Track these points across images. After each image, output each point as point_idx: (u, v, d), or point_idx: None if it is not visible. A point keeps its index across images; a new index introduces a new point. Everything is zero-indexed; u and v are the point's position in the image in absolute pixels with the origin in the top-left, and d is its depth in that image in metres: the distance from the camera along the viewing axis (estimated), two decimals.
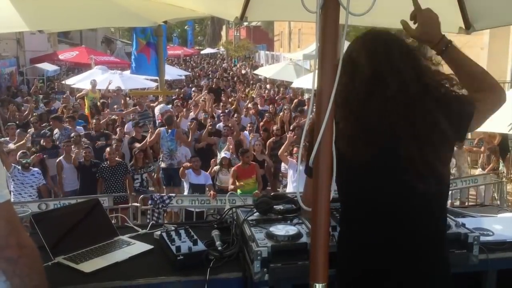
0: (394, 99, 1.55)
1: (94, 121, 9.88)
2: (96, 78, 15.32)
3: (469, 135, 9.12)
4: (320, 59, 1.46)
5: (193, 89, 17.23)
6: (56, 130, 9.45)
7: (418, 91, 1.56)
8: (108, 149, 7.73)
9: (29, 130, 9.69)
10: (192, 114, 11.24)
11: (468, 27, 2.59)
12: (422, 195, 1.58)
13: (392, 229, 1.62)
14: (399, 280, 1.61)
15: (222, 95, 15.13)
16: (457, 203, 7.66)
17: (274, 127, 9.75)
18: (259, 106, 13.05)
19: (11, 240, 1.38)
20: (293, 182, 7.64)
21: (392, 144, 1.56)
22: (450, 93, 1.64)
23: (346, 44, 1.68)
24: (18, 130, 9.17)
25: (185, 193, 7.62)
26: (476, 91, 1.68)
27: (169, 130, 8.72)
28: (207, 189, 7.47)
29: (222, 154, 8.23)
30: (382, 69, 1.58)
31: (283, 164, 8.29)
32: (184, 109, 11.56)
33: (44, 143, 8.61)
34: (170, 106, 11.72)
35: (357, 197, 1.69)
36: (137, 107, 11.78)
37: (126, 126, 10.53)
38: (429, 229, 1.64)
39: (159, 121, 10.38)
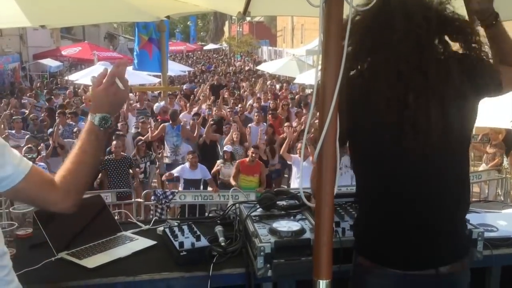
0: (403, 43, 1.54)
1: None
2: (95, 76, 15.28)
3: (473, 131, 9.04)
4: (324, 54, 1.45)
5: (184, 86, 16.93)
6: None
7: (429, 38, 1.56)
8: (114, 142, 7.73)
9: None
10: (195, 110, 11.24)
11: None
12: (433, 162, 1.57)
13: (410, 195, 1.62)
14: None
15: (225, 92, 15.09)
16: None
17: (286, 124, 9.65)
18: (262, 101, 13.02)
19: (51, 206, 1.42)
20: (296, 178, 7.61)
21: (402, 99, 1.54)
22: (473, 51, 1.61)
23: None
24: (28, 136, 9.11)
25: (180, 188, 7.58)
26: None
27: (174, 126, 8.71)
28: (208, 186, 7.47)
29: (225, 148, 8.22)
30: (395, 15, 1.57)
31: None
32: (187, 104, 11.57)
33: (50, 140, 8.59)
34: (163, 103, 11.69)
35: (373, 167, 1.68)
36: (137, 103, 11.83)
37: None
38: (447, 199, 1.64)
39: (158, 118, 10.37)
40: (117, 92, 1.47)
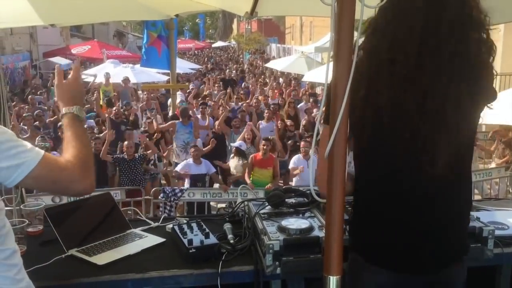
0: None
1: (114, 110, 10.02)
2: (108, 72, 15.40)
3: (483, 128, 8.99)
4: (336, 51, 1.44)
5: (191, 84, 16.71)
6: None
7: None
8: (126, 143, 7.71)
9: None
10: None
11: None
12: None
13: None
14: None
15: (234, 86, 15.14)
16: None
17: (288, 122, 9.58)
18: (270, 99, 13.00)
19: (69, 186, 1.44)
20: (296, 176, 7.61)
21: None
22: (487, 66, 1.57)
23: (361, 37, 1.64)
24: (32, 126, 9.29)
25: (186, 185, 7.58)
26: None
27: (186, 123, 8.68)
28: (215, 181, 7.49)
29: (235, 144, 8.19)
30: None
31: (292, 160, 7.96)
32: (194, 101, 11.60)
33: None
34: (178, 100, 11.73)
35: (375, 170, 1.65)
36: (145, 103, 11.94)
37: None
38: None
39: (175, 113, 10.39)
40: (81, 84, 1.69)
